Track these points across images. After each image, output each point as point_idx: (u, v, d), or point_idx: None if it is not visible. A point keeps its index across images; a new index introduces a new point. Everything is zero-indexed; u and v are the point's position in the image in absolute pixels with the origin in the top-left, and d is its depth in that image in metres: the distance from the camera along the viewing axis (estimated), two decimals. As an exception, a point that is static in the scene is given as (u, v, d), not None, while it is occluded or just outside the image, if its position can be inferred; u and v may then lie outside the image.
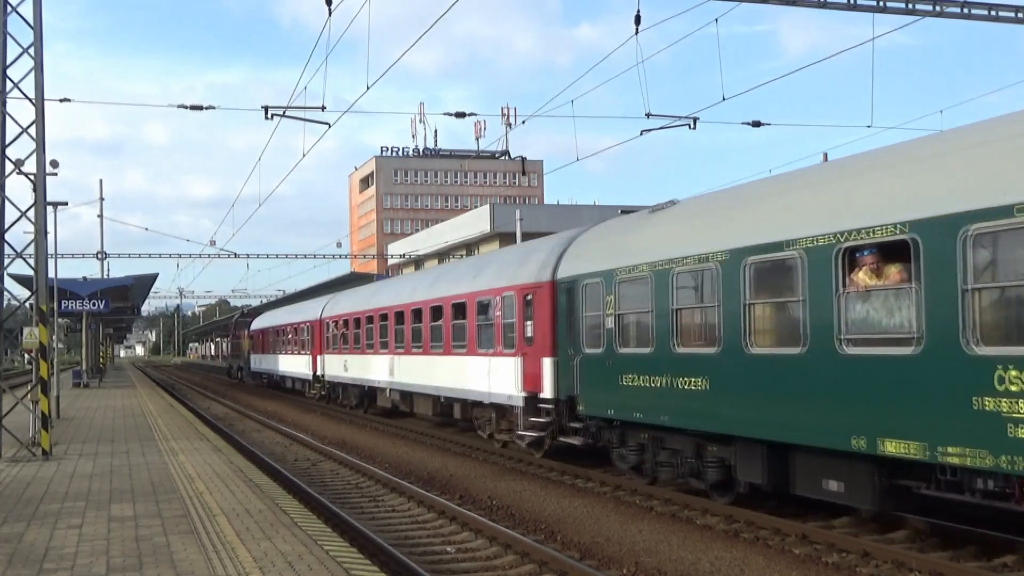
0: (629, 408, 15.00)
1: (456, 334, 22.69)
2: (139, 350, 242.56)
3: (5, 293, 20.43)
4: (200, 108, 29.19)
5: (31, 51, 18.34)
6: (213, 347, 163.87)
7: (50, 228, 26.60)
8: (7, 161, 18.72)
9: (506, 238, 66.09)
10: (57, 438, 21.46)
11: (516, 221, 49.52)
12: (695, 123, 24.33)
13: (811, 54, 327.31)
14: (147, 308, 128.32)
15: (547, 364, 17.88)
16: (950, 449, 9.41)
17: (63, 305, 41.68)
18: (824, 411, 11.02)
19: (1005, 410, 8.80)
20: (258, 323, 57.71)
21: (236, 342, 69.44)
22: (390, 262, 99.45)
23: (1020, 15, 21.09)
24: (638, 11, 19.08)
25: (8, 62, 18.33)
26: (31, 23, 18.30)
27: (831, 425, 10.89)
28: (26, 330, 19.52)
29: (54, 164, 25.69)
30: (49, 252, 22.96)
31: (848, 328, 10.69)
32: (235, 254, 69.34)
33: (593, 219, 29.13)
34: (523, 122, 40.83)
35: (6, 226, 18.61)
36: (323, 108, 22.97)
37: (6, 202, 18.58)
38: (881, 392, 10.20)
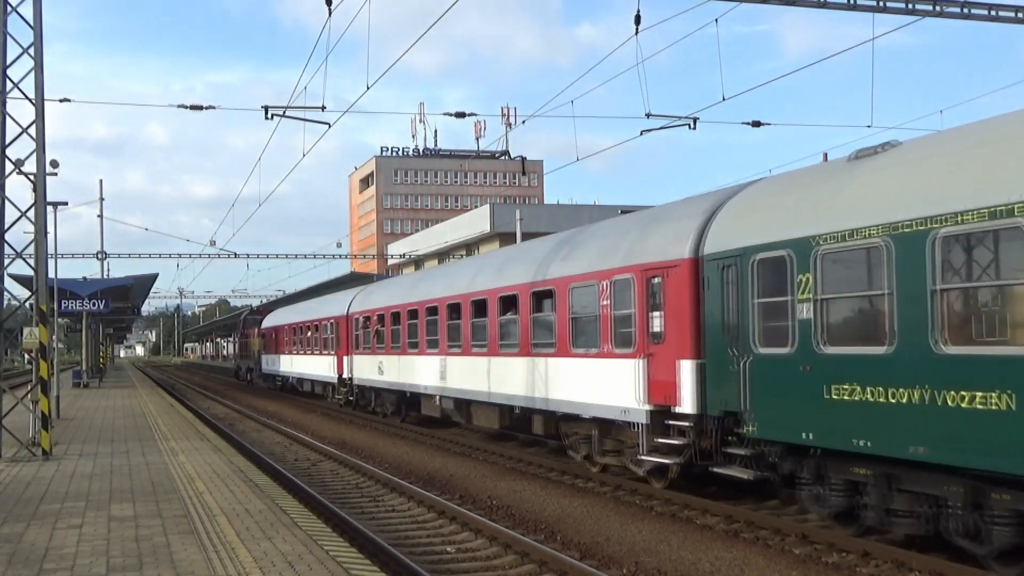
0: (843, 432, 10.88)
1: (539, 330, 18.59)
2: (139, 350, 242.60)
3: (5, 293, 20.43)
4: (200, 108, 29.19)
5: (31, 51, 18.34)
6: (211, 346, 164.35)
7: (50, 228, 26.62)
8: (7, 161, 18.72)
9: (506, 238, 66.09)
10: (57, 438, 21.46)
11: (516, 221, 49.52)
12: (695, 123, 24.33)
13: (811, 54, 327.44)
14: (147, 308, 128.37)
15: (686, 369, 13.73)
16: None
17: (63, 305, 41.66)
18: None
19: None
20: (271, 320, 52.88)
21: (244, 341, 64.42)
22: (390, 262, 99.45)
23: (1020, 15, 21.09)
24: (638, 11, 19.09)
25: (8, 62, 18.34)
26: (31, 23, 18.30)
27: None
28: (26, 330, 19.53)
29: (54, 164, 25.71)
30: (49, 252, 22.96)
31: None
32: (235, 254, 69.40)
33: (593, 219, 29.01)
34: (523, 122, 40.85)
35: (6, 226, 18.61)
36: (323, 108, 22.98)
37: (6, 202, 18.58)
38: None
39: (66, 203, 37.50)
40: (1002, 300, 9.31)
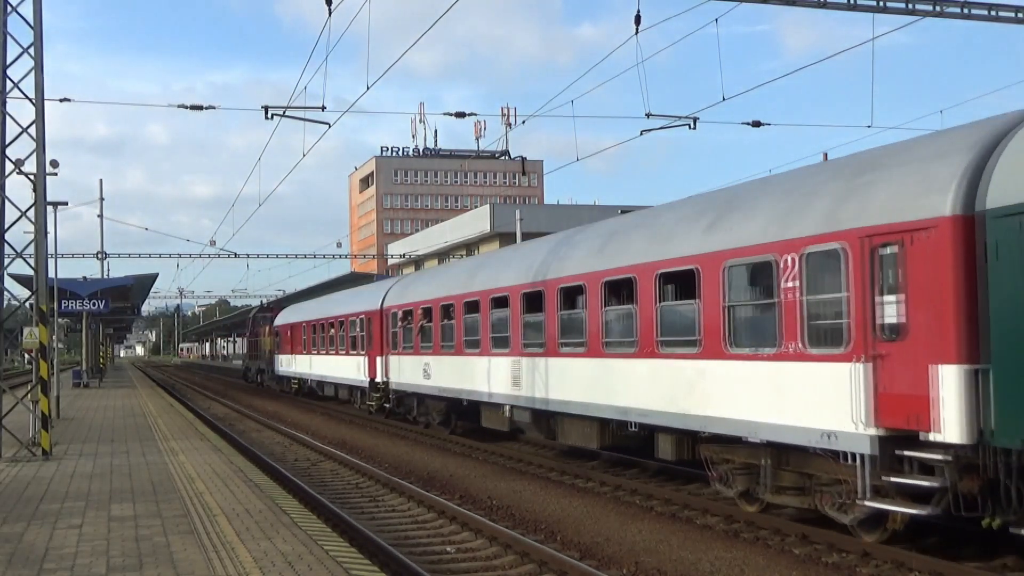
0: None
1: (670, 325, 14.33)
2: (139, 350, 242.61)
3: (5, 293, 20.43)
4: (200, 108, 29.19)
5: (31, 51, 18.34)
6: (209, 346, 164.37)
7: (50, 228, 26.64)
8: (7, 161, 18.72)
9: (506, 238, 66.09)
10: (57, 438, 21.46)
11: (516, 221, 49.51)
12: (695, 123, 24.33)
13: (811, 54, 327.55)
14: (147, 308, 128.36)
15: (948, 377, 9.79)
16: None
17: (63, 305, 41.69)
18: None
19: None
20: (285, 317, 47.66)
21: (255, 340, 58.75)
22: (390, 262, 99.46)
23: (1020, 15, 21.09)
24: (638, 11, 19.07)
25: (8, 62, 18.33)
26: (31, 23, 18.30)
27: None
28: (26, 330, 19.52)
29: (54, 164, 25.72)
30: (49, 252, 22.96)
31: None
32: (235, 254, 69.33)
33: (593, 219, 28.87)
34: (523, 122, 40.83)
35: (6, 226, 18.61)
36: (323, 108, 22.98)
37: (6, 202, 18.58)
38: None
39: (66, 203, 37.54)
40: None
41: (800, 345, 11.67)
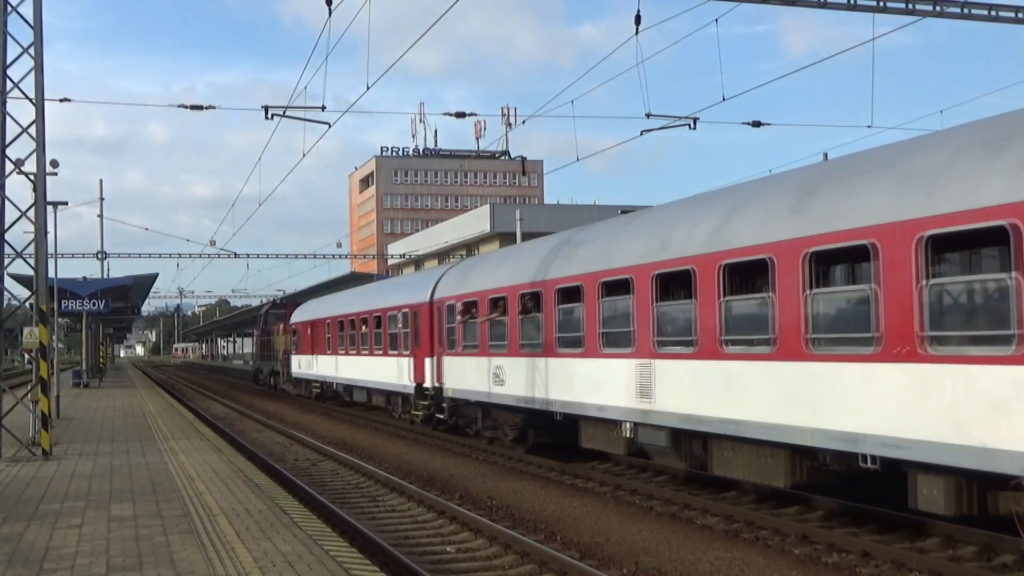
0: None
1: (956, 309, 9.97)
2: (139, 350, 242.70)
3: (5, 293, 20.43)
4: (200, 108, 29.19)
5: (31, 51, 18.34)
6: (208, 346, 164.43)
7: (50, 228, 26.64)
8: (7, 161, 18.72)
9: (506, 238, 66.09)
10: (57, 438, 21.46)
11: (516, 221, 49.51)
12: (695, 123, 24.33)
13: (811, 54, 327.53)
14: (147, 308, 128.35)
15: None
16: None
17: (63, 305, 41.70)
18: None
19: None
20: (305, 313, 42.42)
21: (267, 340, 53.21)
22: (390, 262, 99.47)
23: (1020, 15, 21.09)
24: (638, 11, 19.08)
25: (8, 62, 18.33)
26: (31, 23, 18.30)
27: None
28: (26, 330, 19.52)
29: (54, 164, 25.73)
30: (49, 252, 22.96)
31: None
32: (235, 254, 69.41)
33: (593, 219, 28.80)
34: (523, 122, 40.80)
35: (6, 226, 18.61)
36: (323, 108, 22.97)
37: (6, 202, 18.58)
38: None
39: (66, 203, 37.60)
40: None
41: None
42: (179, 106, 29.37)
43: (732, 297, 12.66)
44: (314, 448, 23.90)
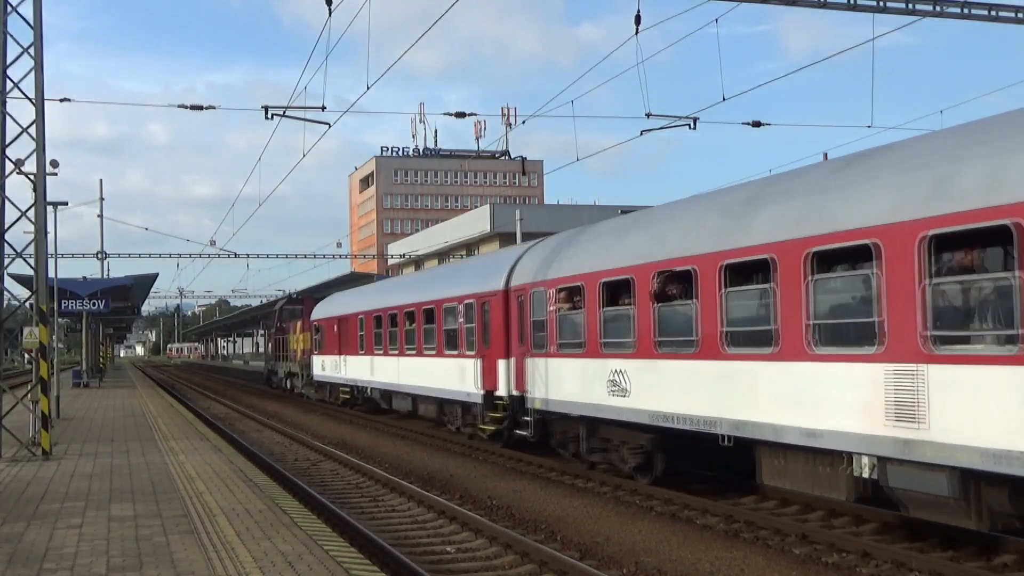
0: None
1: None
2: (139, 350, 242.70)
3: (5, 293, 20.44)
4: (200, 108, 29.18)
5: (31, 51, 18.34)
6: (207, 346, 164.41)
7: (50, 228, 26.64)
8: (7, 161, 18.72)
9: (506, 238, 66.10)
10: (57, 438, 21.46)
11: (516, 221, 49.52)
12: (695, 123, 24.31)
13: (811, 54, 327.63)
14: (147, 308, 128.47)
15: None
16: None
17: (63, 305, 41.71)
18: None
19: None
20: (330, 307, 37.46)
21: (281, 339, 48.40)
22: (390, 262, 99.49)
23: (1020, 15, 21.09)
24: (638, 11, 19.07)
25: (8, 62, 18.34)
26: (31, 23, 18.30)
27: None
28: (26, 330, 19.53)
29: (54, 164, 25.73)
30: (49, 252, 22.96)
31: None
32: (235, 254, 69.55)
33: (593, 219, 28.55)
34: (523, 122, 40.81)
35: (6, 226, 18.61)
36: (323, 108, 22.96)
37: (6, 202, 18.58)
38: None
39: (66, 203, 37.63)
40: None
41: None
42: (179, 106, 29.39)
43: None
44: (314, 448, 23.89)
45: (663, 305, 14.28)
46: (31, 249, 19.83)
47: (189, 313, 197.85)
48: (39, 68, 18.38)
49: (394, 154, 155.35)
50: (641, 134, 25.73)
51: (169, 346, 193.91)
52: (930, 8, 20.35)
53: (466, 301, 22.25)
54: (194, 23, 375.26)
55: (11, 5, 18.35)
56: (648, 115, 23.24)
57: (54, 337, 26.39)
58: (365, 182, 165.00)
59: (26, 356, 54.95)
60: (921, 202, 9.97)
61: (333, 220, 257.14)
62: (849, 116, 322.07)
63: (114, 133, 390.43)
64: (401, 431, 27.25)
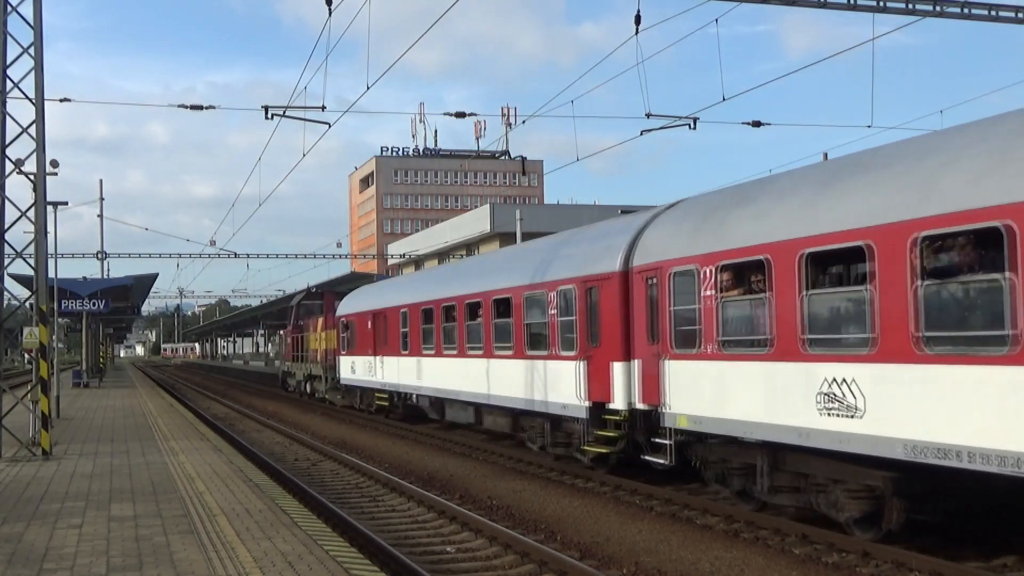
0: None
1: None
2: (139, 350, 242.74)
3: (5, 293, 20.44)
4: (200, 108, 29.19)
5: (31, 51, 18.34)
6: (205, 346, 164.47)
7: (50, 228, 26.65)
8: (7, 161, 18.72)
9: (506, 238, 66.11)
10: (57, 438, 21.46)
11: (516, 221, 49.52)
12: (695, 123, 24.33)
13: (811, 54, 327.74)
14: (147, 308, 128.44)
15: None
16: None
17: (63, 305, 41.71)
18: None
19: None
20: (361, 301, 32.71)
21: (299, 337, 43.17)
22: (390, 262, 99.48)
23: (1020, 15, 21.10)
24: (638, 11, 19.08)
25: (8, 62, 18.34)
26: (31, 23, 18.30)
27: None
28: (26, 330, 19.54)
29: (54, 164, 25.73)
30: (49, 252, 22.97)
31: None
32: (235, 254, 69.40)
33: (593, 219, 28.25)
34: (523, 122, 40.80)
35: (6, 226, 18.61)
36: (323, 108, 22.96)
37: (6, 202, 18.58)
38: None
39: (66, 203, 37.64)
40: None
41: None
42: (179, 106, 29.41)
43: None
44: (314, 448, 23.89)
45: (936, 283, 9.72)
46: (31, 249, 19.84)
47: (189, 313, 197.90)
48: (39, 68, 18.38)
49: (394, 154, 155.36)
50: (641, 134, 25.76)
51: (164, 346, 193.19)
52: (930, 8, 20.36)
53: (561, 288, 17.56)
54: (194, 23, 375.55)
55: (11, 5, 18.35)
56: (648, 115, 23.27)
57: (54, 337, 26.40)
58: (365, 182, 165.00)
59: (26, 356, 54.95)
60: None
61: (333, 220, 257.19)
62: (849, 116, 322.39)
63: (114, 133, 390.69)
64: (401, 431, 27.23)
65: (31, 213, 19.23)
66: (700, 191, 16.51)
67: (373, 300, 31.27)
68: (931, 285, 9.72)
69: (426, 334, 25.01)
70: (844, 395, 10.87)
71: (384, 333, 28.82)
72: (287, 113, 23.05)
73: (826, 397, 11.15)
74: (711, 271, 13.20)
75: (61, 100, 33.57)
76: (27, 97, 18.54)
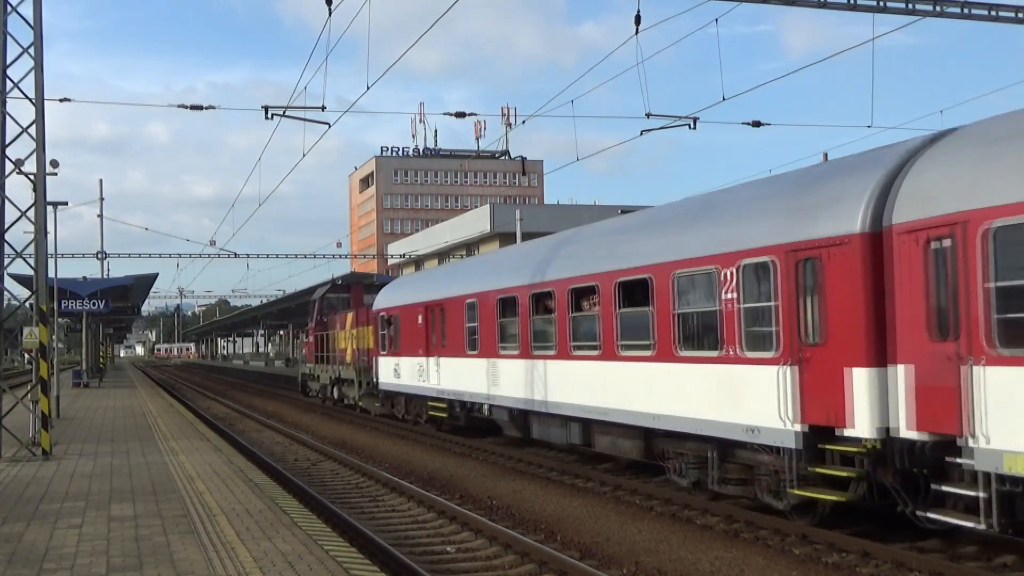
0: None
1: None
2: (139, 350, 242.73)
3: (5, 293, 20.44)
4: (200, 108, 29.16)
5: (31, 51, 18.34)
6: (204, 346, 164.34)
7: (50, 228, 26.66)
8: (7, 161, 18.72)
9: (506, 238, 66.11)
10: (57, 438, 21.46)
11: (516, 221, 49.50)
12: (695, 123, 24.30)
13: (812, 54, 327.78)
14: (147, 308, 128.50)
15: None
16: None
17: (63, 305, 41.70)
18: None
19: None
20: (406, 292, 27.65)
21: (324, 335, 37.85)
22: (390, 262, 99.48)
23: (1020, 15, 21.09)
24: (638, 11, 19.06)
25: (8, 62, 18.34)
26: (31, 23, 18.30)
27: None
28: (26, 330, 19.53)
29: (54, 164, 25.70)
30: (49, 252, 22.96)
31: None
32: (235, 254, 69.35)
33: (593, 219, 27.75)
34: (523, 122, 40.75)
35: (6, 226, 18.61)
36: (323, 108, 22.95)
37: (6, 202, 18.58)
38: None
39: (66, 203, 37.62)
40: None
41: None
42: (179, 106, 29.36)
43: None
44: (314, 448, 23.89)
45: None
46: (31, 249, 19.84)
47: (189, 313, 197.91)
48: (39, 68, 18.37)
49: (394, 154, 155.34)
50: (641, 134, 25.74)
51: (157, 346, 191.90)
52: (930, 8, 20.35)
53: (746, 262, 12.67)
54: (194, 23, 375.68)
55: (11, 5, 18.35)
56: (648, 115, 23.24)
57: (54, 337, 26.39)
58: (365, 182, 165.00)
59: (26, 356, 54.94)
60: None
61: (333, 220, 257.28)
62: (849, 116, 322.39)
63: (114, 133, 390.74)
64: (401, 431, 27.21)
65: (31, 213, 19.23)
66: (700, 191, 15.79)
67: (425, 289, 25.90)
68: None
69: (505, 330, 20.24)
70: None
71: (441, 329, 23.97)
72: (287, 113, 23.04)
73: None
74: None
75: (61, 100, 33.53)
76: (27, 97, 18.55)
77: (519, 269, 19.99)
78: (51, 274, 29.46)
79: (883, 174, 11.05)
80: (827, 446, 11.43)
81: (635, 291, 15.30)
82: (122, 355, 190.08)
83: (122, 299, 53.91)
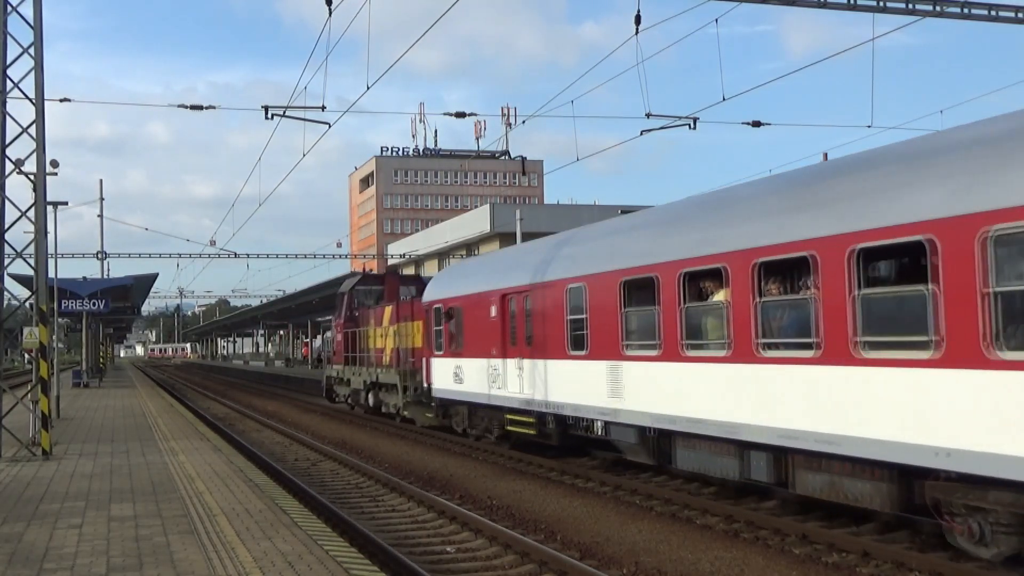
0: None
1: None
2: (139, 350, 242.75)
3: (5, 293, 20.43)
4: (201, 108, 29.16)
5: (31, 51, 18.34)
6: (204, 346, 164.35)
7: (50, 228, 26.64)
8: (7, 161, 18.72)
9: (506, 238, 66.09)
10: (57, 438, 21.45)
11: (516, 221, 49.48)
12: (695, 123, 24.31)
13: (812, 54, 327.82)
14: (147, 308, 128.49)
15: None
16: None
17: (63, 305, 41.68)
18: None
19: None
20: (471, 278, 22.54)
21: (353, 333, 33.42)
22: (390, 262, 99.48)
23: (1020, 15, 21.09)
24: (638, 11, 19.08)
25: (8, 62, 18.33)
26: (31, 23, 18.30)
27: None
28: (26, 330, 19.53)
29: (54, 164, 25.70)
30: (49, 252, 22.96)
31: None
32: (235, 254, 69.34)
33: (593, 219, 27.84)
34: (523, 122, 40.75)
35: (6, 226, 18.61)
36: (323, 108, 22.95)
37: (6, 202, 18.58)
38: None
39: (66, 203, 37.67)
40: None
41: None
42: (179, 106, 29.36)
43: None
44: (314, 448, 23.89)
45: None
46: (31, 249, 19.82)
47: (189, 313, 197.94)
48: (39, 68, 18.37)
49: (394, 154, 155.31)
50: (641, 134, 25.75)
51: (151, 346, 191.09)
52: (930, 8, 20.36)
53: None
54: (194, 23, 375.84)
55: (11, 5, 18.34)
56: (648, 115, 23.25)
57: (54, 337, 26.39)
58: (365, 182, 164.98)
59: (26, 356, 54.93)
60: None
61: (333, 220, 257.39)
62: (849, 116, 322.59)
63: (114, 133, 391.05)
64: (401, 431, 27.20)
65: (31, 213, 19.22)
66: (700, 191, 15.72)
67: (502, 274, 20.65)
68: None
69: (634, 323, 15.16)
70: None
71: (526, 323, 19.03)
72: (287, 113, 23.04)
73: None
74: None
75: (61, 100, 33.57)
76: (27, 97, 18.54)
77: (659, 238, 14.77)
78: (51, 274, 29.45)
79: None
80: None
81: (880, 260, 10.90)
82: (122, 355, 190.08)
83: (122, 299, 53.88)
